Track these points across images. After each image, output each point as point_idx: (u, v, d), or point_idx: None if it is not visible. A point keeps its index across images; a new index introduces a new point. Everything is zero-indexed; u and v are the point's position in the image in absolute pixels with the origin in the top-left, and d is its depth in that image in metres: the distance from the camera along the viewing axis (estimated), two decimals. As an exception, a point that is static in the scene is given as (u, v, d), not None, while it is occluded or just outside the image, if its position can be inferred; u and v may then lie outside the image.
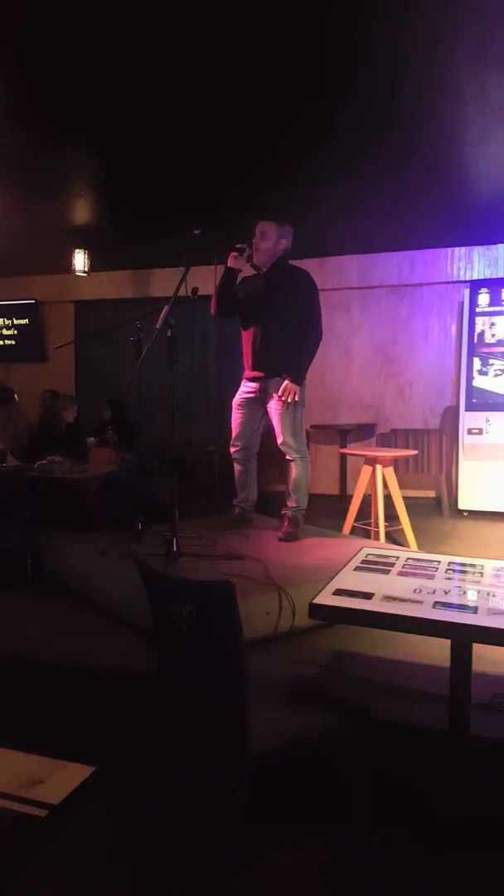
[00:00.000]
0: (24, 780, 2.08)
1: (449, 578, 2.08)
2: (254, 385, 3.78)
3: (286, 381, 3.59)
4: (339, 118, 3.68)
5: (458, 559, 2.34)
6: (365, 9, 2.66)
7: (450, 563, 2.26)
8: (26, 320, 7.96)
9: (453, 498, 6.02)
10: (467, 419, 5.91)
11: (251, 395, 3.80)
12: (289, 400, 3.60)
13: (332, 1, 2.63)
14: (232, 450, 3.92)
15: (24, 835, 1.86)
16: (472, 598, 1.89)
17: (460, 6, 2.63)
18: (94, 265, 6.60)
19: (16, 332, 8.05)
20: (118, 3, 2.61)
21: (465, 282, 6.28)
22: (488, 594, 1.91)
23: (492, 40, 2.87)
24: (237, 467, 3.93)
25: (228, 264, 3.68)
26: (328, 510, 5.25)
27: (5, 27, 2.79)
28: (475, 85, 3.31)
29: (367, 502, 4.44)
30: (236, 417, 3.87)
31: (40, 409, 6.57)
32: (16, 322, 8.02)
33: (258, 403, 3.79)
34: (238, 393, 3.87)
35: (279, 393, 3.60)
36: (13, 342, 8.07)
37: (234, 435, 3.89)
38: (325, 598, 1.86)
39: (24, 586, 3.61)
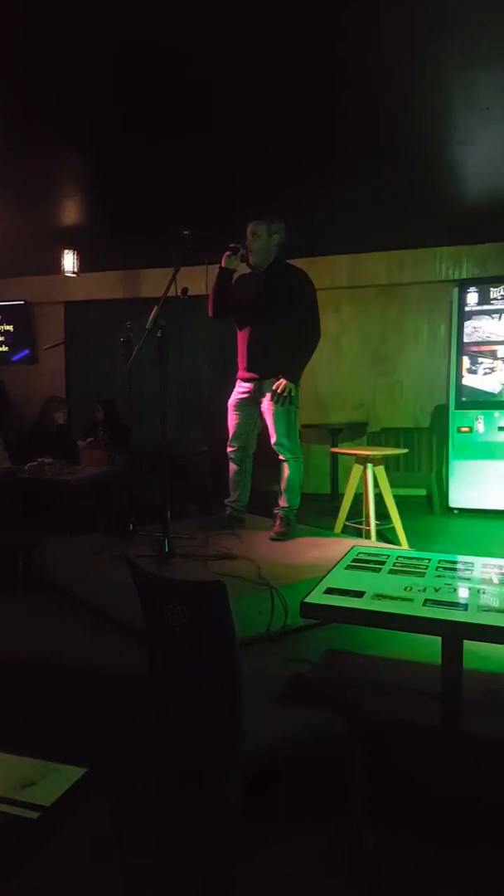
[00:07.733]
0: (16, 782, 2.07)
1: (439, 576, 2.10)
2: (248, 385, 3.76)
3: (281, 378, 3.54)
4: (329, 120, 3.68)
5: (448, 557, 2.35)
6: (354, 10, 2.67)
7: (440, 561, 2.28)
8: (16, 322, 7.92)
9: (444, 496, 6.05)
10: (457, 417, 5.95)
11: (245, 396, 3.78)
12: (284, 394, 3.53)
13: (322, 2, 2.64)
14: (229, 449, 3.90)
15: (16, 837, 1.86)
16: (462, 595, 1.90)
17: (448, 8, 2.65)
18: (84, 266, 6.57)
19: (5, 334, 8.01)
20: (109, 5, 2.61)
21: (454, 281, 6.31)
22: (478, 591, 1.92)
23: (479, 41, 2.89)
24: (232, 467, 3.91)
25: (222, 264, 3.64)
26: (319, 509, 5.26)
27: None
28: (462, 86, 3.32)
29: (359, 501, 4.45)
30: (232, 419, 3.85)
31: (40, 411, 6.51)
32: (5, 324, 7.98)
33: (253, 403, 3.76)
34: (233, 394, 3.85)
35: (274, 387, 3.55)
36: (2, 343, 8.03)
37: (230, 435, 3.87)
38: (317, 597, 1.87)
39: (15, 588, 3.60)
